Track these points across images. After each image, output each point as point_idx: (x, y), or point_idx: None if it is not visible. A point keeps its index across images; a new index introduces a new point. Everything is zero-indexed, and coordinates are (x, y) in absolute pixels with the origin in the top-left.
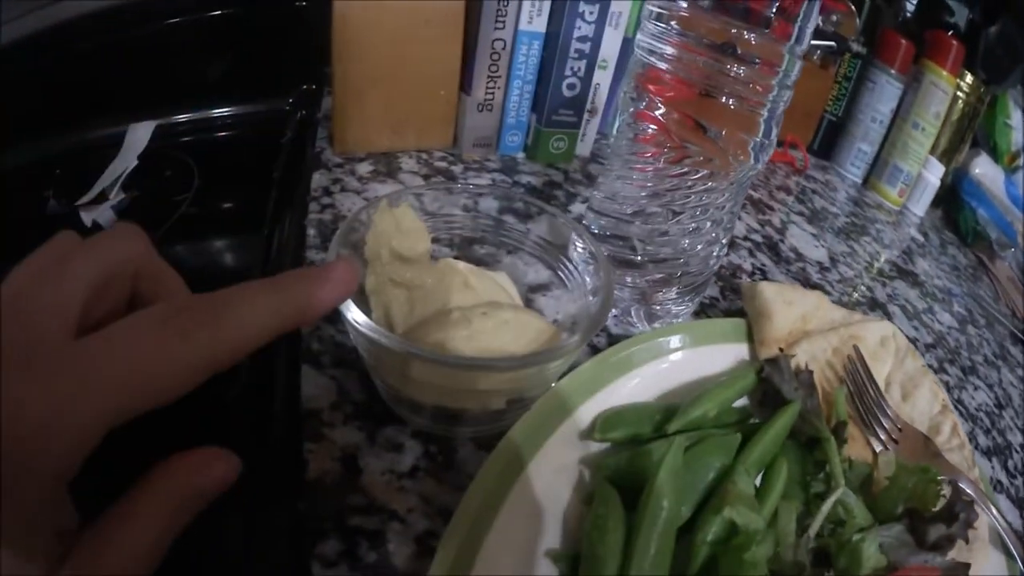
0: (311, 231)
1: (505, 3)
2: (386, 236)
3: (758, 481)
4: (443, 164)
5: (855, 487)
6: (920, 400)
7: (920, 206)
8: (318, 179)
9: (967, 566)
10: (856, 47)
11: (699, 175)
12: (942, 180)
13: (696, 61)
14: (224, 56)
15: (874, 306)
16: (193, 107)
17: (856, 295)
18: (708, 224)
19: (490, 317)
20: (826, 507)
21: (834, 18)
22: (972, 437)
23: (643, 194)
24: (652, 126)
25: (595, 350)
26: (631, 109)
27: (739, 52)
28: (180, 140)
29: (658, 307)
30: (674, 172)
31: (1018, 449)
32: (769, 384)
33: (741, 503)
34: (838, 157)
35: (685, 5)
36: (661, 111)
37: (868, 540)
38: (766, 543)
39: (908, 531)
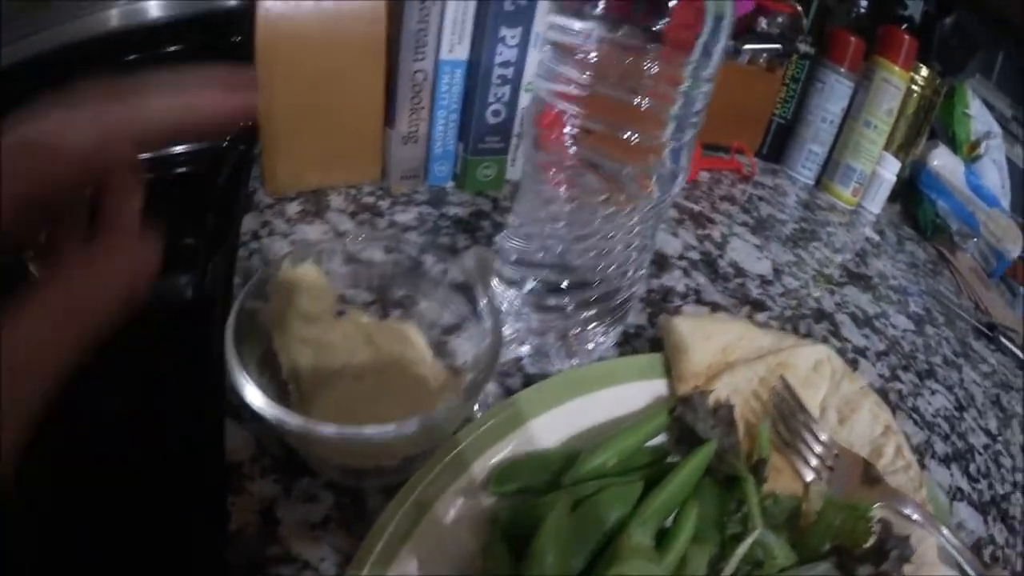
0: (237, 278)
1: (425, 33)
2: (289, 296)
3: (671, 522)
4: (371, 199)
5: (780, 523)
6: (859, 423)
7: (876, 203)
8: (248, 221)
9: None
10: (804, 48)
11: (604, 210)
12: (899, 174)
13: (589, 95)
14: None
15: (821, 317)
16: None
17: (802, 308)
18: (618, 248)
19: (385, 377)
20: (740, 550)
21: (779, 20)
22: (929, 446)
23: (548, 225)
24: (551, 160)
25: (509, 391)
26: (530, 143)
27: (633, 85)
28: None
29: (576, 340)
30: (574, 205)
31: (980, 451)
32: (683, 423)
33: (636, 556)
34: (789, 160)
35: (577, 34)
36: (556, 149)
37: None
38: None
39: (836, 568)
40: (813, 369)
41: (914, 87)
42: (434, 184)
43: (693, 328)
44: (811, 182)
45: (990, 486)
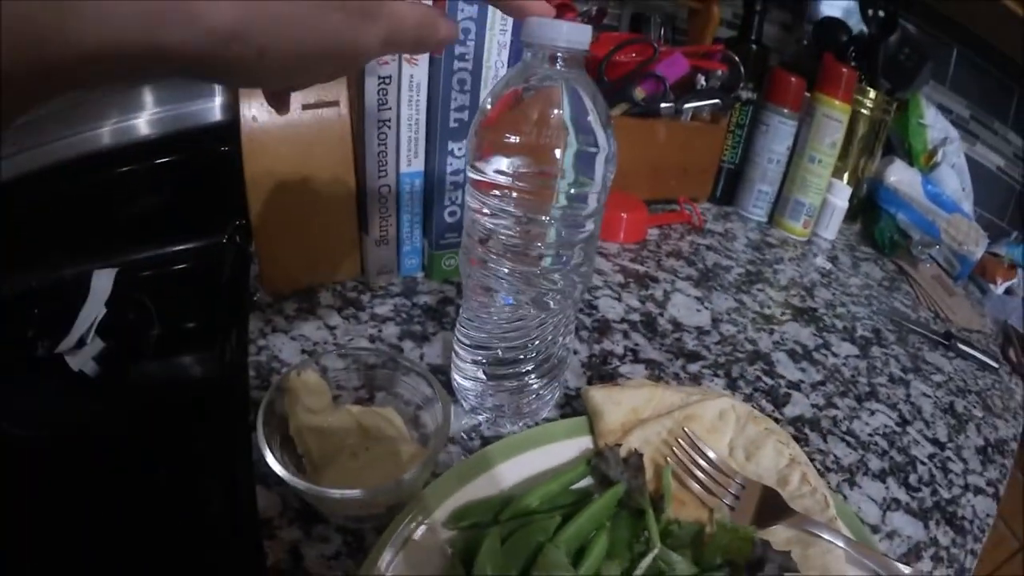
0: (252, 372)
1: (384, 154)
2: (297, 396)
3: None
4: (354, 294)
5: (685, 544)
6: (764, 458)
7: (829, 230)
8: (253, 321)
9: None
10: (745, 95)
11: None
12: (856, 194)
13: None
14: (169, 200)
15: (755, 359)
16: (145, 247)
17: (736, 353)
18: (542, 332)
19: (372, 452)
20: (644, 562)
21: (719, 73)
22: (863, 464)
23: (486, 320)
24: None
25: (469, 451)
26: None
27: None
28: (138, 276)
29: (523, 406)
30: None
31: (924, 461)
32: (599, 471)
33: (553, 568)
34: (740, 201)
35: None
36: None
37: None
38: None
39: None
40: (719, 418)
41: (863, 110)
42: (406, 275)
43: (605, 396)
44: (764, 219)
45: (933, 492)
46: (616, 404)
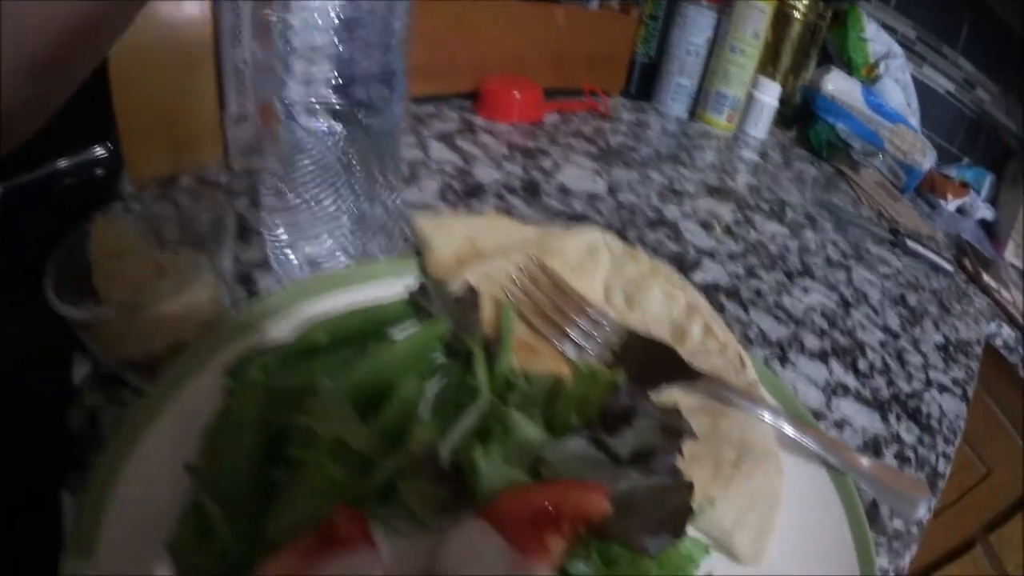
0: None
1: (239, 28)
2: (101, 241)
3: None
4: (214, 178)
5: (536, 402)
6: (651, 304)
7: (758, 128)
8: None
9: (687, 488)
10: None
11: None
12: (791, 101)
13: None
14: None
15: (659, 224)
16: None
17: (635, 218)
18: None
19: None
20: (465, 420)
21: None
22: (796, 340)
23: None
24: None
25: None
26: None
27: None
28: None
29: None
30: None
31: (875, 348)
32: (419, 310)
33: (324, 418)
34: (658, 96)
35: None
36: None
37: (479, 450)
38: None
39: (594, 447)
40: (587, 254)
41: (795, 13)
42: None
43: (435, 225)
44: (684, 115)
45: (890, 383)
46: (448, 232)
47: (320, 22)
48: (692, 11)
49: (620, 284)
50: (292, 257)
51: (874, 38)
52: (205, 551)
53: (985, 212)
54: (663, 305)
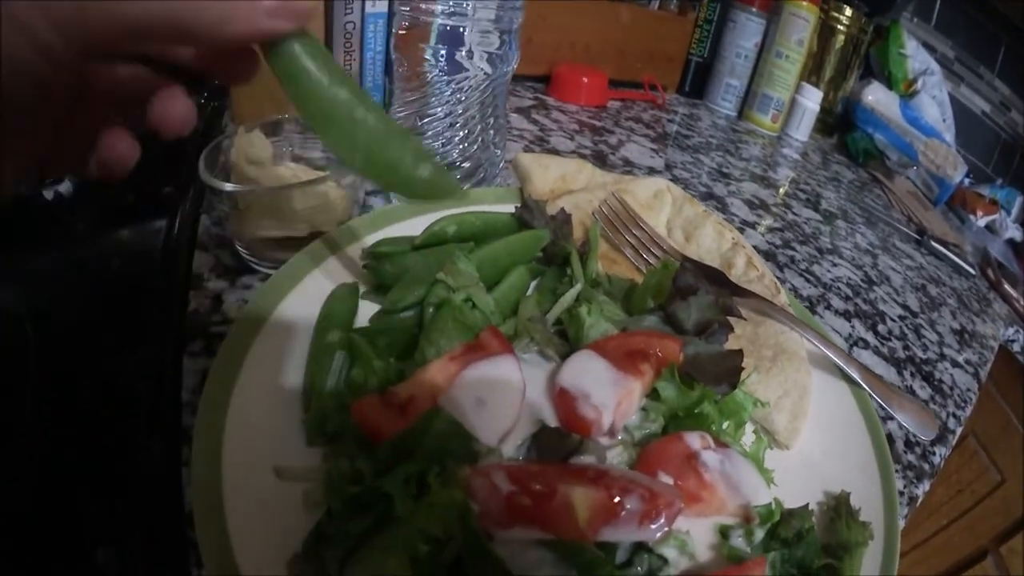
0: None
1: None
2: (242, 150)
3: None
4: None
5: (617, 297)
6: (704, 239)
7: (801, 131)
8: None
9: (739, 352)
10: None
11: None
12: (832, 109)
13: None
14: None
15: (708, 197)
16: None
17: (688, 190)
18: (459, 123)
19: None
20: (567, 296)
21: None
22: (824, 299)
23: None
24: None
25: None
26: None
27: None
28: None
29: None
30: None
31: (894, 318)
32: (523, 221)
33: (457, 274)
34: (710, 95)
35: None
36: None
37: (586, 307)
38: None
39: (664, 322)
40: (654, 197)
41: (839, 26)
42: None
43: (533, 160)
44: (733, 113)
45: (906, 347)
46: (544, 168)
47: None
48: (743, 17)
49: (680, 223)
50: None
51: (914, 55)
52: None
53: (1014, 232)
54: (714, 240)
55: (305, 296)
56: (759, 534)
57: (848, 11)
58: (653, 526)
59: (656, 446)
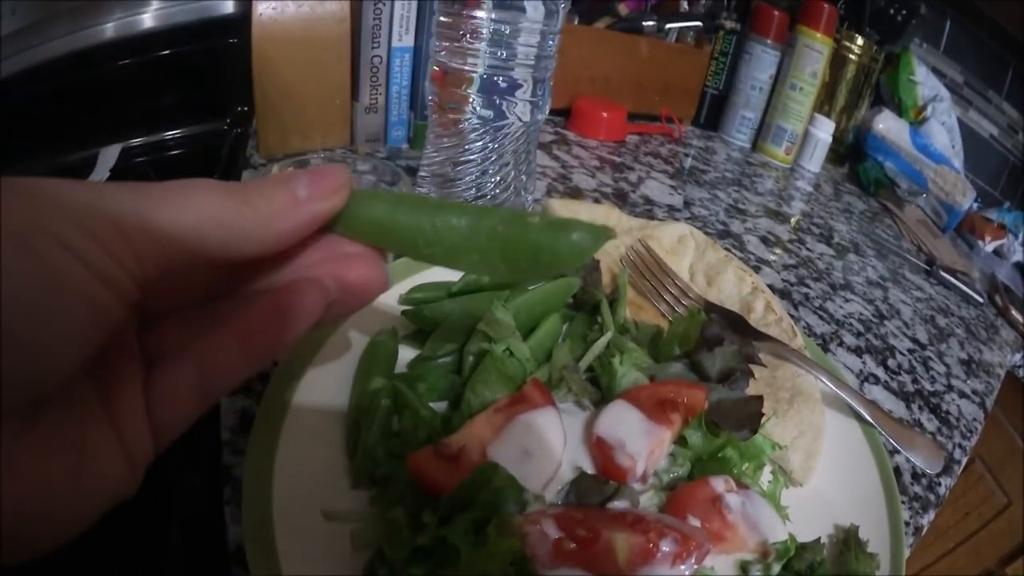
0: None
1: (379, 27)
2: None
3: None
4: (340, 159)
5: (643, 343)
6: (726, 284)
7: (813, 162)
8: (246, 175)
9: (759, 399)
10: (729, 24)
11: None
12: (843, 139)
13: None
14: (172, 87)
15: (726, 235)
16: (149, 131)
17: (706, 229)
18: (492, 170)
19: None
20: (598, 344)
21: (703, 0)
22: (836, 336)
23: (439, 151)
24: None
25: None
26: (429, 97)
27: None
28: (140, 159)
29: None
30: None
31: (903, 352)
32: None
33: (496, 324)
34: (724, 126)
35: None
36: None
37: (618, 357)
38: (539, 371)
39: (689, 370)
40: (678, 242)
41: (850, 56)
42: (392, 146)
43: (562, 206)
44: (747, 145)
45: (915, 381)
46: (573, 215)
47: (530, 27)
48: (758, 49)
49: (702, 268)
50: None
51: (923, 81)
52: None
53: (1022, 255)
54: (734, 286)
55: (344, 340)
56: (776, 568)
57: (860, 40)
58: (684, 567)
59: (684, 490)
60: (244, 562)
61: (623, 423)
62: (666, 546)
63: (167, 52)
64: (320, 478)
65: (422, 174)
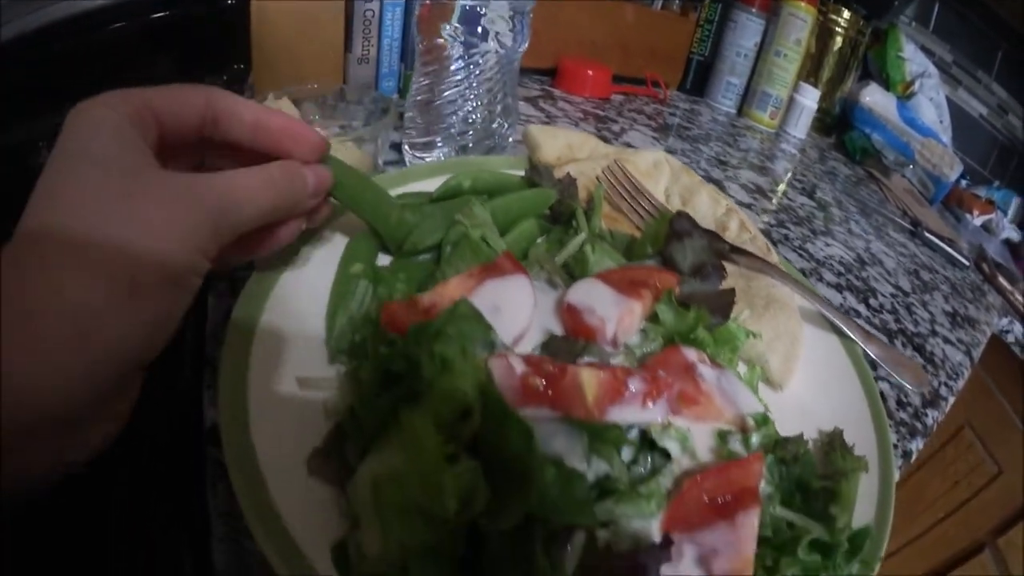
0: None
1: None
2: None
3: None
4: (332, 103)
5: (617, 248)
6: (700, 205)
7: (799, 128)
8: None
9: (731, 291)
10: None
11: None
12: (828, 109)
13: None
14: (169, 48)
15: (708, 181)
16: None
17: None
18: (473, 95)
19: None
20: (574, 243)
21: None
22: (816, 272)
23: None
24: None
25: None
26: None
27: None
28: None
29: None
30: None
31: (885, 295)
32: (532, 183)
33: (473, 216)
34: (710, 92)
35: None
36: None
37: (589, 247)
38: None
39: (662, 265)
40: (653, 166)
41: (837, 28)
42: (383, 94)
43: (541, 129)
44: (733, 110)
45: (897, 320)
46: (553, 137)
47: None
48: (743, 17)
49: (677, 190)
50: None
51: (911, 58)
52: None
53: (1011, 232)
54: (709, 207)
55: (327, 244)
56: (755, 440)
57: (846, 14)
58: (656, 409)
59: (656, 356)
60: (219, 440)
61: (593, 293)
62: (634, 385)
63: (169, 14)
64: (298, 356)
65: (409, 102)
